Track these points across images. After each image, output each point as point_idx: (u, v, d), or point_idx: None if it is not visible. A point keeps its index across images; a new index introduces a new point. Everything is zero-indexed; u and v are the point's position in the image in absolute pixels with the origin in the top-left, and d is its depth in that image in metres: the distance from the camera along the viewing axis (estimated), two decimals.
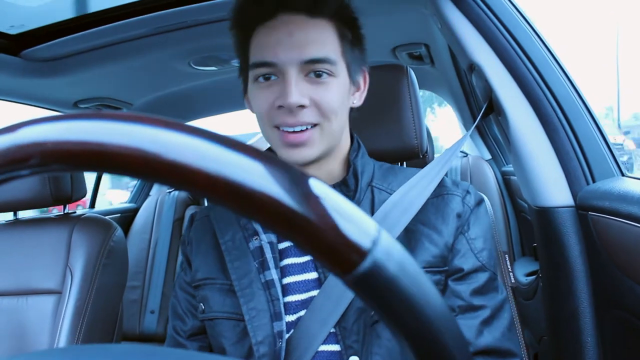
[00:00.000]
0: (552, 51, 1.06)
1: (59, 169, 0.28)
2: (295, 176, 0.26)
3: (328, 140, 0.88)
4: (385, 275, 0.26)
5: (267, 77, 0.87)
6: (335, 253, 0.26)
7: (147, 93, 2.23)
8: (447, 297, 0.88)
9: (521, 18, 1.07)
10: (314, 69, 0.85)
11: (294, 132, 0.85)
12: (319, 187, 0.27)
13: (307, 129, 0.85)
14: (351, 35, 0.91)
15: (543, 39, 1.06)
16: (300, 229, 0.26)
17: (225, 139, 0.27)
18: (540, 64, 1.02)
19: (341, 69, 0.88)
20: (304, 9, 0.86)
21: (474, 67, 1.09)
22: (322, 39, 0.86)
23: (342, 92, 0.88)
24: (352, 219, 0.26)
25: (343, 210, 0.27)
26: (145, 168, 0.26)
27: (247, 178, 0.26)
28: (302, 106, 0.84)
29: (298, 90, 0.83)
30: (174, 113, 2.47)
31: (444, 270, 0.88)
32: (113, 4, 1.41)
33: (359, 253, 0.26)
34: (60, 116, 0.28)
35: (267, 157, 0.27)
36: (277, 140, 0.87)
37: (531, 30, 1.06)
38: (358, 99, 0.97)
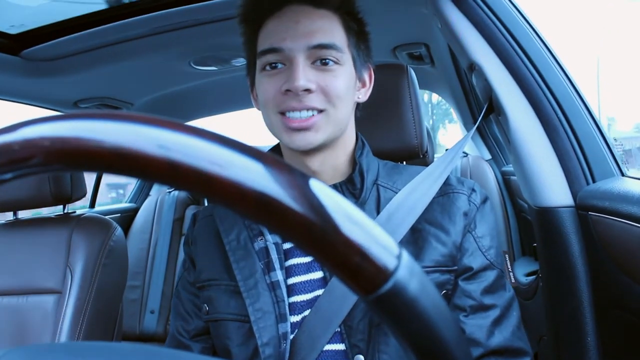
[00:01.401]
0: (552, 51, 1.06)
1: (60, 169, 0.28)
2: (324, 194, 0.26)
3: (333, 127, 0.88)
4: (407, 296, 0.26)
5: (273, 66, 0.88)
6: (360, 274, 0.26)
7: (148, 93, 2.23)
8: (458, 297, 0.88)
9: (521, 18, 1.07)
10: (320, 55, 0.86)
11: (300, 118, 0.85)
12: (347, 206, 0.27)
13: (312, 115, 0.86)
14: (357, 28, 0.93)
15: (543, 39, 1.06)
16: (327, 248, 0.26)
17: (247, 147, 0.27)
18: (540, 64, 1.02)
19: (347, 59, 0.89)
20: (310, 1, 0.88)
21: (474, 67, 1.09)
22: (328, 27, 0.88)
23: (348, 81, 0.89)
24: (377, 240, 0.26)
25: (369, 230, 0.26)
26: (147, 169, 0.26)
27: (276, 192, 0.25)
28: (308, 90, 0.84)
29: (305, 75, 0.84)
30: (175, 113, 2.47)
31: (454, 269, 0.88)
32: (113, 3, 1.41)
33: (384, 274, 0.26)
34: (62, 115, 0.28)
35: (295, 171, 0.27)
36: (281, 125, 0.88)
37: (531, 30, 1.06)
38: (364, 95, 0.97)
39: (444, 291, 0.88)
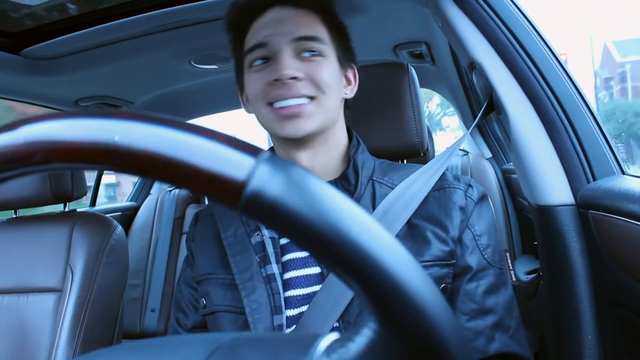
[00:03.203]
0: (553, 50, 1.06)
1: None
2: (175, 125, 0.29)
3: (324, 115, 0.90)
4: (267, 200, 0.28)
5: (260, 62, 0.91)
6: (217, 189, 0.29)
7: (148, 91, 2.23)
8: (461, 300, 0.89)
9: (522, 16, 1.07)
10: (305, 46, 0.89)
11: (289, 106, 0.87)
12: (197, 139, 0.29)
13: (302, 103, 0.87)
14: (338, 29, 0.96)
15: (544, 38, 1.06)
16: (187, 175, 0.28)
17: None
18: (540, 62, 1.02)
19: (330, 52, 0.92)
20: (291, 2, 0.92)
21: (474, 66, 1.09)
22: (311, 23, 0.91)
23: (334, 72, 0.92)
24: (223, 157, 0.29)
25: (214, 150, 0.29)
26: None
27: (125, 139, 0.28)
28: (295, 78, 0.86)
29: (291, 65, 0.87)
30: (175, 111, 2.47)
31: (452, 263, 0.89)
32: (114, 2, 1.41)
33: (236, 185, 0.28)
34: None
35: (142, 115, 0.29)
36: (271, 116, 0.89)
37: (532, 29, 1.06)
38: (350, 91, 1.00)
39: (443, 285, 0.88)
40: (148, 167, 0.28)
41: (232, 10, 0.97)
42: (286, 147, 0.94)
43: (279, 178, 0.28)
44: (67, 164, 0.28)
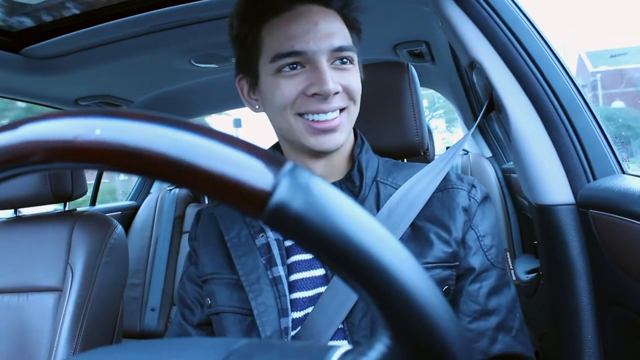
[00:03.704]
0: (553, 49, 1.06)
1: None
2: (201, 131, 0.29)
3: (350, 125, 0.91)
4: (292, 212, 0.28)
5: (293, 67, 0.86)
6: (242, 199, 0.28)
7: (148, 90, 2.23)
8: (464, 301, 0.88)
9: (522, 15, 1.07)
10: (340, 56, 0.87)
11: (326, 120, 0.86)
12: (223, 149, 0.29)
13: (337, 116, 0.87)
14: (357, 28, 0.95)
15: (544, 37, 1.06)
16: (215, 184, 0.28)
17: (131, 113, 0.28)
18: (540, 61, 1.02)
19: (355, 57, 0.91)
20: (319, 1, 0.88)
21: (474, 65, 1.09)
22: (342, 29, 0.89)
23: (359, 78, 0.92)
24: (251, 167, 0.28)
25: (243, 160, 0.29)
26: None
27: (151, 145, 0.28)
28: (336, 93, 0.86)
29: (332, 78, 0.85)
30: (175, 110, 2.47)
31: (455, 265, 0.89)
32: (114, 1, 1.41)
33: (263, 195, 0.28)
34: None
35: (171, 119, 0.29)
36: (303, 128, 0.87)
37: (532, 28, 1.06)
38: None
39: (446, 287, 0.88)
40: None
41: (248, 2, 0.92)
42: (303, 156, 0.92)
43: (304, 191, 0.28)
44: (80, 163, 0.28)
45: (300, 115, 0.87)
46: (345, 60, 0.88)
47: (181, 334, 1.01)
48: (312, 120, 0.86)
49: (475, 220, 0.92)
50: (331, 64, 0.87)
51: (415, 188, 0.92)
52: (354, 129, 1.01)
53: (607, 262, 0.89)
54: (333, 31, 0.86)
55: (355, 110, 0.90)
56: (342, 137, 0.88)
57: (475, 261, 0.89)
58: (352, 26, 0.93)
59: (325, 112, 0.85)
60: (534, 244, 1.23)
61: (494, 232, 0.94)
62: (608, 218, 0.86)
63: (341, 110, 0.87)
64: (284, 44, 0.85)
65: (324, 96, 0.84)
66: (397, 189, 0.93)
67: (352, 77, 0.89)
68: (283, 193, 0.28)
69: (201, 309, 1.00)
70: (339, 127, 0.87)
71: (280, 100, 0.87)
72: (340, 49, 0.86)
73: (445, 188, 0.94)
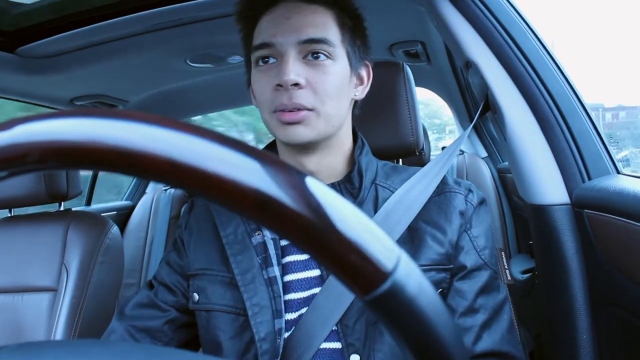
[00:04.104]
0: (548, 48, 1.06)
1: (56, 167, 0.28)
2: (322, 192, 0.26)
3: (325, 124, 0.87)
4: (405, 297, 0.26)
5: (266, 61, 0.88)
6: (358, 274, 0.26)
7: (144, 90, 2.23)
8: (452, 297, 0.88)
9: (517, 15, 1.07)
10: (311, 49, 0.86)
11: (290, 112, 0.85)
12: (345, 205, 0.27)
13: (301, 113, 0.85)
14: (352, 24, 0.92)
15: (539, 37, 1.07)
16: (325, 247, 0.26)
17: (241, 144, 0.27)
18: (536, 61, 1.02)
19: (340, 54, 0.88)
20: None
21: (469, 65, 1.09)
22: (320, 22, 0.87)
23: (340, 78, 0.88)
24: (376, 240, 0.26)
25: (368, 230, 0.27)
26: (143, 167, 0.26)
27: (280, 195, 0.25)
28: (297, 84, 0.84)
29: (295, 70, 0.84)
30: (170, 110, 2.46)
31: (449, 268, 0.89)
32: (109, 1, 1.40)
33: (382, 274, 0.26)
34: (58, 113, 0.28)
35: (293, 169, 0.27)
36: (275, 121, 0.87)
37: (527, 28, 1.06)
38: (361, 92, 0.97)
39: (440, 290, 0.88)
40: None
41: (243, 0, 0.94)
42: (293, 152, 0.93)
43: (416, 275, 0.27)
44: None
45: (275, 112, 0.87)
46: (318, 54, 0.86)
47: (148, 304, 0.99)
48: (281, 112, 0.86)
49: (470, 224, 0.92)
50: (304, 57, 0.86)
51: (413, 191, 0.92)
52: (355, 130, 1.00)
53: (602, 262, 0.89)
54: (305, 24, 0.86)
55: (326, 111, 0.86)
56: (309, 132, 0.86)
57: (467, 260, 0.89)
58: (345, 24, 0.91)
59: (287, 107, 0.85)
60: (529, 244, 1.23)
61: (488, 235, 0.94)
62: (603, 218, 0.86)
63: (309, 110, 0.85)
64: (257, 38, 0.89)
65: (285, 87, 0.84)
66: (394, 192, 0.93)
67: (324, 75, 0.86)
68: (401, 275, 0.26)
69: (181, 295, 0.98)
70: (305, 121, 0.85)
71: (258, 96, 0.90)
72: (311, 40, 0.85)
73: (442, 192, 0.94)
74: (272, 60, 0.87)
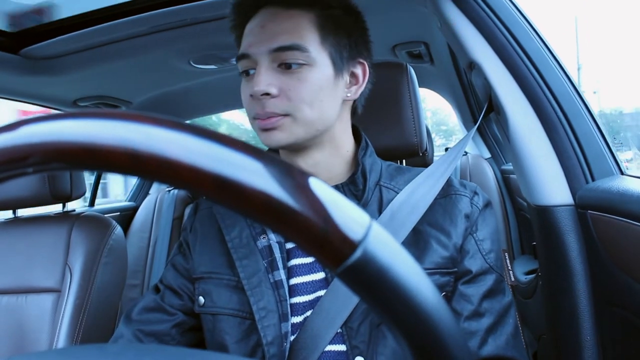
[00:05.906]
0: (552, 49, 1.06)
1: (58, 168, 0.28)
2: (286, 170, 0.27)
3: (306, 128, 0.87)
4: (377, 266, 0.26)
5: (246, 72, 0.89)
6: (325, 245, 0.26)
7: (147, 91, 2.23)
8: (456, 300, 0.88)
9: (520, 16, 1.07)
10: (284, 58, 0.85)
11: (263, 119, 0.86)
12: (309, 180, 0.27)
13: (275, 119, 0.85)
14: (334, 25, 0.89)
15: (542, 37, 1.06)
16: (290, 221, 0.26)
17: (216, 134, 0.27)
18: (539, 62, 1.02)
19: (319, 58, 0.86)
20: (279, 2, 0.88)
21: (473, 66, 1.09)
22: (293, 28, 0.86)
23: (319, 82, 0.86)
24: (342, 210, 0.26)
25: (332, 200, 0.27)
26: (143, 167, 0.26)
27: (237, 173, 0.26)
28: (268, 94, 0.84)
29: (266, 79, 0.84)
30: (174, 111, 2.47)
31: (453, 271, 0.88)
32: (113, 2, 1.41)
33: (350, 244, 0.26)
34: (60, 114, 0.28)
35: (259, 152, 0.27)
36: (256, 127, 0.89)
37: (530, 29, 1.06)
38: (354, 92, 0.94)
39: (444, 293, 0.88)
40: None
41: (232, 10, 0.94)
42: (285, 153, 0.94)
43: (390, 244, 0.27)
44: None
45: (254, 118, 0.88)
46: (290, 63, 0.85)
47: (155, 308, 0.99)
48: (258, 118, 0.87)
49: (475, 227, 0.91)
50: (278, 66, 0.86)
51: (418, 192, 0.91)
52: (359, 132, 1.00)
53: (606, 263, 0.89)
54: (277, 31, 0.85)
55: (304, 116, 0.85)
56: (285, 137, 0.86)
57: (473, 264, 0.89)
58: (325, 26, 0.88)
59: (262, 118, 0.86)
60: (533, 245, 1.23)
61: (494, 238, 0.93)
62: (607, 219, 0.86)
63: (284, 116, 0.85)
64: (240, 49, 0.90)
65: (256, 98, 0.85)
66: (398, 193, 0.93)
67: (298, 82, 0.84)
68: (371, 245, 0.26)
69: (188, 299, 0.98)
70: (280, 127, 0.85)
71: (244, 104, 0.92)
72: (281, 48, 0.84)
73: (447, 194, 0.93)
74: (252, 71, 0.88)
